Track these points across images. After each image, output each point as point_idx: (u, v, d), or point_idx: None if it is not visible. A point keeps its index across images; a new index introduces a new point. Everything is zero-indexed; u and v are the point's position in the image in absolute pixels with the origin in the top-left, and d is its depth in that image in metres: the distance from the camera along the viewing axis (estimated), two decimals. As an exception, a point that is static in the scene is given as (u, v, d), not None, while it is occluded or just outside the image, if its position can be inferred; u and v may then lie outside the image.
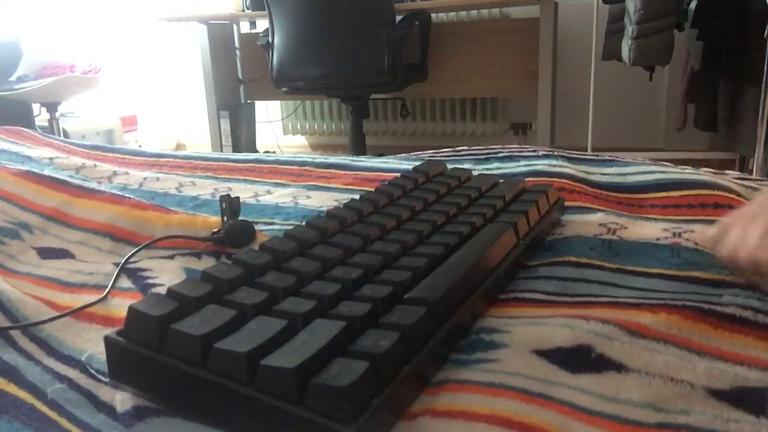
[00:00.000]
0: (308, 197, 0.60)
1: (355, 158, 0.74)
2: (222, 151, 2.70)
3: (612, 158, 0.65)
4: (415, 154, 0.75)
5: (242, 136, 3.09)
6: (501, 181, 0.51)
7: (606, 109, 2.69)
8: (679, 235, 0.44)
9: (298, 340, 0.27)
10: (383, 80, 2.27)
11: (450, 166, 0.56)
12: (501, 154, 0.69)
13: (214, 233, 0.47)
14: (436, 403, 0.28)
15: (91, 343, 0.35)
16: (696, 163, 0.71)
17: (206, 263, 0.45)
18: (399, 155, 0.75)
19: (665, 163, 0.64)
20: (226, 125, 3.04)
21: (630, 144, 2.67)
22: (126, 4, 3.53)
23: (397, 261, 0.35)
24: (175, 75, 3.59)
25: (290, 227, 0.44)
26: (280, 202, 0.59)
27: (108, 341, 0.30)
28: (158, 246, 0.47)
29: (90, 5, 3.50)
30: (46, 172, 0.61)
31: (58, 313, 0.37)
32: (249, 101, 3.21)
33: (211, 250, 0.47)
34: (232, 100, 3.13)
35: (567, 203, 0.51)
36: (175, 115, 3.70)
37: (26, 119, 2.82)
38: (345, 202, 0.46)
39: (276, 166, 0.72)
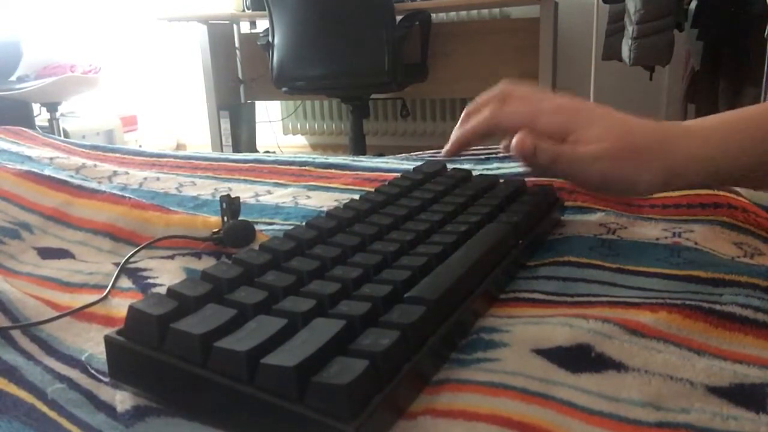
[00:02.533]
0: (308, 197, 0.60)
1: (355, 158, 0.74)
2: (222, 151, 2.71)
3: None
4: (415, 154, 0.75)
5: (242, 136, 3.09)
6: (501, 181, 0.51)
7: (606, 109, 2.69)
8: (679, 234, 0.44)
9: (298, 339, 0.27)
10: (383, 80, 2.27)
11: (450, 166, 0.56)
12: (501, 154, 0.69)
13: (214, 233, 0.47)
14: (436, 403, 0.28)
15: (91, 343, 0.35)
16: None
17: (206, 263, 0.45)
18: (399, 155, 0.75)
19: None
20: (226, 125, 3.04)
21: (630, 144, 2.66)
22: (126, 4, 3.53)
23: (397, 260, 0.35)
24: (175, 75, 3.59)
25: (290, 227, 0.44)
26: (280, 202, 0.59)
27: (108, 340, 0.30)
28: (158, 246, 0.47)
29: (90, 5, 3.50)
30: (46, 172, 0.61)
31: (58, 313, 0.37)
32: (249, 101, 3.21)
33: (211, 250, 0.47)
34: (232, 100, 3.13)
35: (567, 203, 0.52)
36: (175, 115, 3.70)
37: (26, 119, 2.82)
38: (345, 202, 0.46)
39: (276, 166, 0.72)
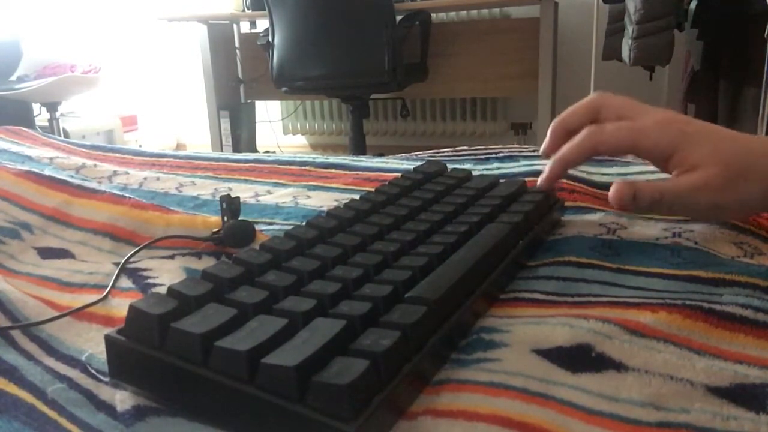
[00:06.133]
0: (308, 197, 0.60)
1: (355, 158, 0.74)
2: (222, 151, 2.71)
3: (612, 158, 0.65)
4: (415, 154, 0.75)
5: (242, 136, 3.09)
6: (501, 181, 0.51)
7: (606, 109, 2.69)
8: (679, 234, 0.44)
9: (298, 339, 0.27)
10: (383, 80, 2.27)
11: (450, 166, 0.56)
12: (501, 154, 0.69)
13: (214, 233, 0.47)
14: (437, 403, 0.28)
15: (91, 343, 0.35)
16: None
17: (206, 263, 0.45)
18: (399, 155, 0.75)
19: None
20: (226, 125, 3.04)
21: (630, 144, 2.66)
22: (126, 4, 3.53)
23: (397, 260, 0.35)
24: (175, 75, 3.59)
25: (290, 227, 0.44)
26: (281, 202, 0.59)
27: (108, 340, 0.30)
28: (158, 246, 0.47)
29: (90, 5, 3.50)
30: (46, 172, 0.61)
31: (58, 313, 0.37)
32: (249, 101, 3.21)
33: (212, 250, 0.47)
34: (232, 100, 3.13)
35: (567, 203, 0.51)
36: (175, 115, 3.70)
37: (26, 119, 2.83)
38: (345, 202, 0.46)
39: (276, 166, 0.72)
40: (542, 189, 0.46)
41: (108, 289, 0.41)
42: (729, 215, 0.44)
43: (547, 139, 0.46)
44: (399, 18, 2.30)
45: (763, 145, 0.40)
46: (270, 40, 2.39)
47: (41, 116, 3.04)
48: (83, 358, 0.33)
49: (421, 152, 0.76)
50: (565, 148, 0.43)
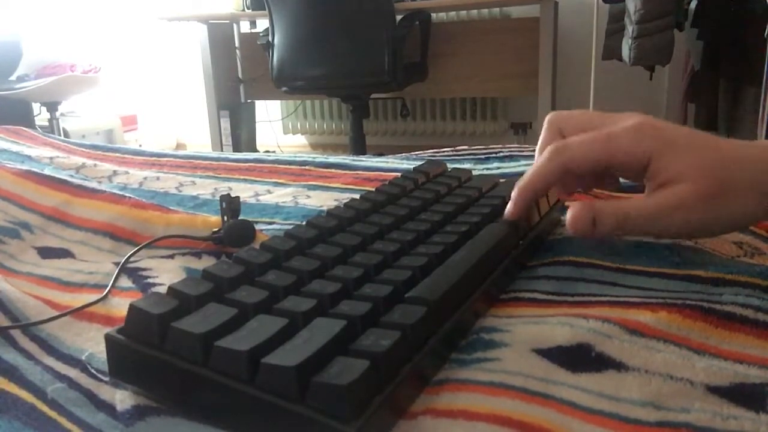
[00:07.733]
0: (308, 197, 0.60)
1: (355, 158, 0.74)
2: (222, 151, 2.70)
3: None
4: (415, 154, 0.75)
5: (242, 135, 3.09)
6: (501, 181, 0.51)
7: (606, 109, 2.67)
8: (679, 234, 0.44)
9: (298, 339, 0.27)
10: (383, 80, 2.27)
11: (450, 166, 0.56)
12: (501, 154, 0.69)
13: (214, 233, 0.47)
14: (437, 403, 0.28)
15: (91, 343, 0.35)
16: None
17: (206, 263, 0.45)
18: (399, 155, 0.75)
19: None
20: (226, 125, 3.04)
21: (630, 144, 2.66)
22: (126, 4, 3.53)
23: (398, 260, 0.35)
24: (175, 75, 3.59)
25: (290, 227, 0.44)
26: (281, 202, 0.59)
27: (109, 339, 0.30)
28: (158, 245, 0.47)
29: (90, 5, 3.50)
30: (46, 171, 0.61)
31: (58, 313, 0.37)
32: (249, 101, 3.21)
33: (212, 250, 0.47)
34: (232, 100, 3.13)
35: (567, 203, 0.51)
36: (175, 115, 3.70)
37: (26, 119, 2.82)
38: (345, 201, 0.46)
39: (276, 165, 0.72)
40: (511, 218, 0.41)
41: (108, 288, 0.41)
42: (709, 234, 0.41)
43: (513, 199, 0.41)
44: (399, 18, 2.30)
45: (753, 152, 0.35)
46: (270, 39, 2.38)
47: (41, 116, 3.04)
48: (83, 358, 0.33)
49: (421, 152, 0.76)
50: (529, 174, 0.38)
